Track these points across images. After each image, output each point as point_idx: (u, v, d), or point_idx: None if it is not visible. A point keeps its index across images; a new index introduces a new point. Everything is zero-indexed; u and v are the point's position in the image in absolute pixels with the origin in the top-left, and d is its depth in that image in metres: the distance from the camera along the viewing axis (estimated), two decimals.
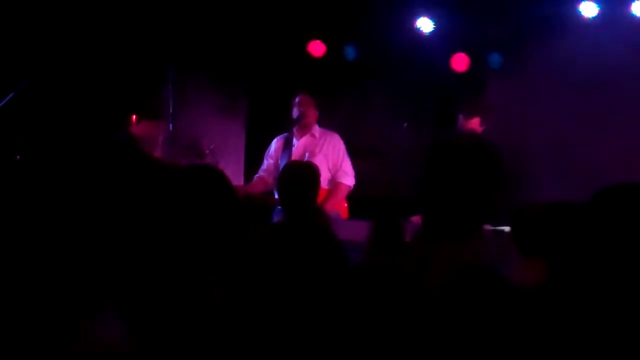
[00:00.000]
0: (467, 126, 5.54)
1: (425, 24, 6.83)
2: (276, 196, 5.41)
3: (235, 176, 7.63)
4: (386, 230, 3.77)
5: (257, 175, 5.94)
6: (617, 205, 1.47)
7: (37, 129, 6.17)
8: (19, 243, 0.86)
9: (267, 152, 5.94)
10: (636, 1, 6.34)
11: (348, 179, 5.76)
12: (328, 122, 6.19)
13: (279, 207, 5.16)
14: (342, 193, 5.74)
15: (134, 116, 7.53)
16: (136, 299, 0.86)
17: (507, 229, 4.28)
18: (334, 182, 5.72)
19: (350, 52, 7.17)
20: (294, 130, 5.77)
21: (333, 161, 5.76)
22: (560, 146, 6.54)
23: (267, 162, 5.89)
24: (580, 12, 6.43)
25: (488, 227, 4.46)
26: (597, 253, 1.44)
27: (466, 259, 1.87)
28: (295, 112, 5.76)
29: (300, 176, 3.95)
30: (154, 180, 0.92)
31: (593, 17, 6.41)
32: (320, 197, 5.48)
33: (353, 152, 5.95)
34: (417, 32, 6.88)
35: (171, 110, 6.82)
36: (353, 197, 5.90)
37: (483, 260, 1.91)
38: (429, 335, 1.29)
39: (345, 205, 5.80)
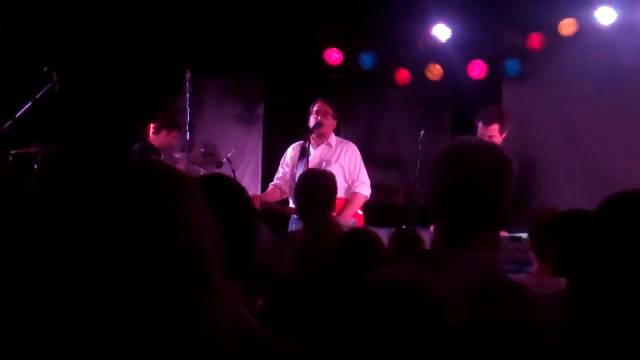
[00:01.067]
0: (486, 133, 5.52)
1: (441, 32, 6.82)
2: (292, 204, 5.41)
3: (252, 184, 7.65)
4: (406, 239, 3.78)
5: (272, 183, 5.94)
6: (629, 212, 1.46)
7: (55, 137, 6.21)
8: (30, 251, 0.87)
9: (282, 160, 5.94)
10: None
11: (364, 189, 5.75)
12: (344, 130, 6.19)
13: (295, 216, 5.16)
14: (359, 203, 5.74)
15: (153, 125, 7.59)
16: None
17: (524, 235, 4.26)
18: (350, 192, 5.72)
19: (366, 60, 7.17)
20: (311, 138, 5.77)
21: (349, 171, 5.76)
22: (578, 152, 6.50)
23: (283, 171, 5.89)
24: (597, 18, 6.40)
25: (505, 234, 4.44)
26: (612, 260, 1.42)
27: (482, 266, 1.87)
28: (312, 121, 5.75)
29: (318, 185, 3.95)
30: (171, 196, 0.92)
31: (610, 23, 6.37)
32: (337, 207, 5.48)
33: (369, 160, 5.95)
34: (434, 40, 6.87)
35: (189, 119, 6.84)
36: (369, 205, 5.90)
37: (498, 267, 1.90)
38: (445, 355, 1.28)
39: (361, 213, 5.80)
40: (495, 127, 5.54)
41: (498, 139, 5.52)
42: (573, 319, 1.42)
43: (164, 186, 0.90)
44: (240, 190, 1.90)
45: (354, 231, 3.08)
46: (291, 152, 5.88)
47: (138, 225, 0.85)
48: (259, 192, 6.89)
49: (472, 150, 1.88)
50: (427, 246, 3.53)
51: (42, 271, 0.83)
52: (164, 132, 6.91)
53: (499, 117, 5.59)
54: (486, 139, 5.50)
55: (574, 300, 1.41)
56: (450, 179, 1.86)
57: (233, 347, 0.93)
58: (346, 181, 5.73)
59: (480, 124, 5.57)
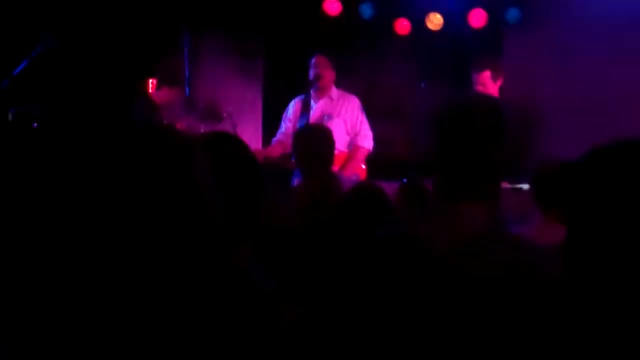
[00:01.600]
0: (478, 81, 5.46)
1: None
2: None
3: (254, 139, 7.64)
4: (413, 192, 3.79)
5: (275, 138, 5.94)
6: (619, 162, 1.46)
7: (54, 96, 6.19)
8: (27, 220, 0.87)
9: (284, 114, 5.93)
10: None
11: (366, 142, 5.75)
12: (344, 82, 6.16)
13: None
14: (361, 156, 5.74)
15: (152, 81, 7.54)
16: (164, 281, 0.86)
17: (525, 186, 4.26)
18: (352, 146, 5.72)
19: (366, 11, 7.09)
20: (312, 92, 5.75)
21: (352, 124, 5.75)
22: (580, 101, 6.47)
23: (285, 125, 5.88)
24: None
25: (506, 185, 4.45)
26: (611, 210, 1.42)
27: (482, 218, 1.88)
28: (311, 74, 5.73)
29: (313, 144, 3.95)
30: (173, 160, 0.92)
31: None
32: (340, 161, 5.48)
33: (370, 112, 5.93)
34: None
35: (187, 74, 6.81)
36: (371, 158, 5.90)
37: (500, 219, 1.91)
38: (448, 306, 1.29)
39: (364, 167, 5.80)
40: (486, 74, 5.46)
41: (492, 86, 5.45)
42: (568, 269, 1.43)
43: (168, 154, 0.90)
44: (244, 148, 1.89)
45: (360, 187, 3.07)
46: (293, 106, 5.87)
47: (145, 193, 0.85)
48: (260, 147, 6.90)
49: (464, 105, 1.91)
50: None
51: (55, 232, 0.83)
52: (165, 89, 6.86)
53: (490, 64, 5.52)
54: (479, 87, 5.46)
55: (569, 250, 1.42)
56: (444, 135, 1.89)
57: (231, 294, 0.94)
58: (348, 134, 5.73)
59: (473, 74, 5.52)
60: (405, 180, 3.79)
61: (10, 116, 5.53)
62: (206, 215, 0.91)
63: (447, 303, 1.31)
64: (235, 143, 1.90)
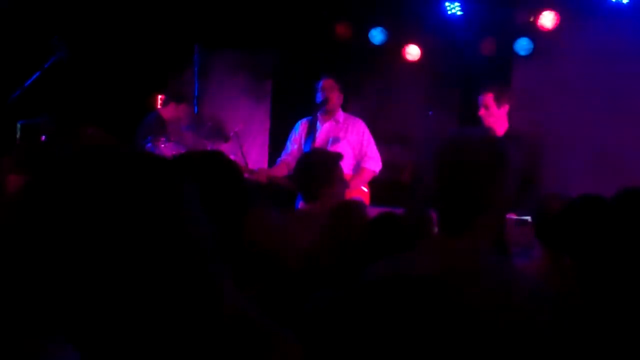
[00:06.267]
0: (482, 103, 5.43)
1: (453, 8, 6.76)
2: None
3: (260, 159, 7.65)
4: (415, 220, 3.77)
5: (280, 158, 5.95)
6: None
7: (64, 108, 6.21)
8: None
9: (290, 135, 5.94)
10: None
11: (372, 164, 5.75)
12: (352, 106, 6.17)
13: None
14: (366, 177, 5.74)
15: (161, 97, 7.58)
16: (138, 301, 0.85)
17: (529, 219, 4.25)
18: (358, 168, 5.73)
19: (376, 36, 7.12)
20: (318, 114, 5.77)
21: (358, 148, 5.76)
22: (587, 133, 6.46)
23: (292, 147, 5.89)
24: None
25: (512, 216, 4.43)
26: (624, 249, 1.41)
27: (482, 251, 1.88)
28: (318, 97, 5.75)
29: (315, 170, 3.96)
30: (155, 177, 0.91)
31: (626, 2, 6.28)
32: None
33: (376, 136, 5.93)
34: (445, 17, 6.81)
35: (196, 92, 6.83)
36: (375, 182, 5.89)
37: (491, 253, 1.91)
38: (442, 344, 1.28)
39: (367, 191, 5.79)
40: (489, 96, 5.43)
41: (496, 111, 5.41)
42: (582, 308, 1.41)
43: (155, 184, 0.89)
44: (231, 170, 1.82)
45: (383, 216, 3.00)
46: (299, 128, 5.88)
47: (133, 222, 0.84)
48: (266, 167, 6.90)
49: (468, 143, 1.91)
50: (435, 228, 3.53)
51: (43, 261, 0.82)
52: (172, 105, 6.90)
53: (494, 87, 5.50)
54: (482, 110, 5.44)
55: (585, 287, 1.40)
56: (446, 172, 1.90)
57: (231, 336, 0.93)
58: (355, 157, 5.74)
59: (478, 97, 5.52)
60: (405, 209, 3.76)
61: (19, 128, 5.55)
62: (198, 253, 0.90)
63: (441, 340, 1.30)
64: (219, 163, 1.84)
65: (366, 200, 5.68)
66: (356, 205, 3.04)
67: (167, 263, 0.85)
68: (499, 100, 5.43)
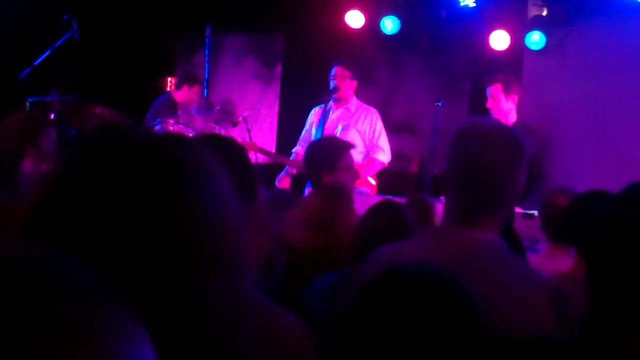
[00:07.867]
0: (489, 94, 5.41)
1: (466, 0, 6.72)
2: None
3: (267, 143, 7.65)
4: (416, 210, 3.76)
5: (295, 149, 5.88)
6: None
7: (73, 86, 6.21)
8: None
9: (306, 122, 5.93)
10: None
11: (382, 156, 5.73)
12: (362, 94, 6.15)
13: None
14: (374, 168, 5.72)
15: (172, 80, 7.58)
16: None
17: (536, 213, 4.24)
18: (368, 158, 5.71)
19: (388, 25, 7.09)
20: (332, 102, 5.77)
21: (368, 137, 5.73)
22: (596, 129, 6.43)
23: (304, 134, 5.88)
24: None
25: (519, 209, 4.43)
26: (631, 245, 1.40)
27: (489, 244, 1.88)
28: (330, 85, 5.74)
29: (317, 156, 3.97)
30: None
31: None
32: None
33: (385, 126, 5.91)
34: (458, 8, 6.77)
35: (206, 76, 6.82)
36: (383, 173, 5.88)
37: (502, 246, 1.91)
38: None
39: (374, 182, 5.76)
40: (497, 87, 5.39)
41: (503, 102, 5.38)
42: (590, 305, 1.40)
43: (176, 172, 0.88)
44: (240, 153, 1.82)
45: (379, 206, 2.98)
46: (312, 115, 5.88)
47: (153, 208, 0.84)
48: (273, 150, 6.90)
49: (487, 133, 1.91)
50: (438, 218, 3.52)
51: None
52: (185, 88, 6.91)
53: (502, 77, 5.47)
54: (490, 100, 5.43)
55: (592, 285, 1.39)
56: (463, 162, 1.90)
57: (243, 329, 0.92)
58: (365, 147, 5.71)
59: (485, 88, 5.49)
60: (409, 198, 3.73)
61: (27, 106, 5.56)
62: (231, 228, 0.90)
63: (445, 332, 1.30)
64: (226, 142, 1.84)
65: (372, 190, 5.66)
66: (339, 190, 3.03)
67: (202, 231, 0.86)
68: (507, 91, 5.40)
